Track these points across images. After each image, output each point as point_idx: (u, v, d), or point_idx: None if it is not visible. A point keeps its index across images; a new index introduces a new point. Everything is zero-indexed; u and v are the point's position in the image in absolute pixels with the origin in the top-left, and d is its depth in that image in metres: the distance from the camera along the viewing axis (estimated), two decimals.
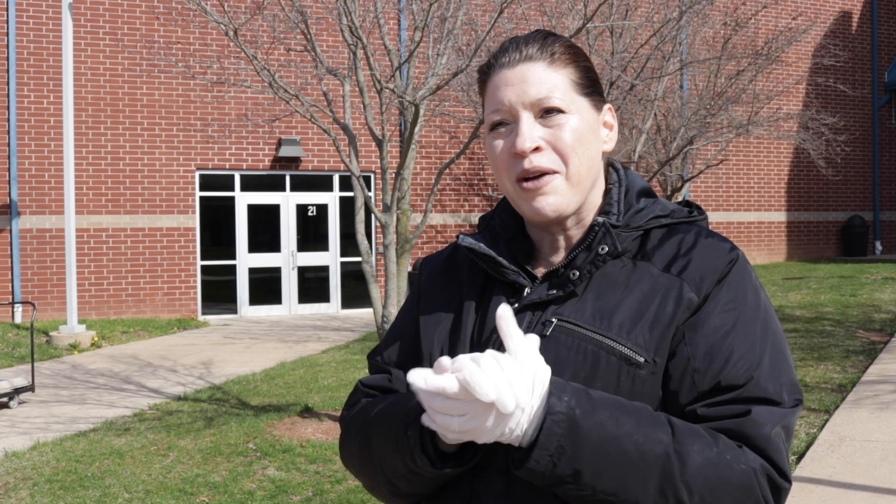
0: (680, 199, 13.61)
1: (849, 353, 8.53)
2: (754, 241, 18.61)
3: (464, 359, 1.04)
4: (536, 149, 1.23)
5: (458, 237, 1.34)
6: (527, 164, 1.23)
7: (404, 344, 1.37)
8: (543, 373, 1.07)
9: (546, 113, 1.24)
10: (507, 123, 1.25)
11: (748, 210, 18.62)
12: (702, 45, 13.26)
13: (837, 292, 12.73)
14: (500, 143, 1.26)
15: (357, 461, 1.32)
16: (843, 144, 17.84)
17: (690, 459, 1.08)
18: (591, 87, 1.29)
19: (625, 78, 8.92)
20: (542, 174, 1.23)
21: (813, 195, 19.36)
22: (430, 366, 1.29)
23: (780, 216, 18.97)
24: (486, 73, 1.30)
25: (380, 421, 1.25)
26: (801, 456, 5.45)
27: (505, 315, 1.06)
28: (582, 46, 9.85)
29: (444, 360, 1.06)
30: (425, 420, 1.10)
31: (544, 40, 1.27)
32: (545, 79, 1.24)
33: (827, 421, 6.19)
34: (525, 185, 1.24)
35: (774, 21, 16.67)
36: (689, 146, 11.74)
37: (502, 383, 1.02)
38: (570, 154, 1.23)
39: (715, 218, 18.02)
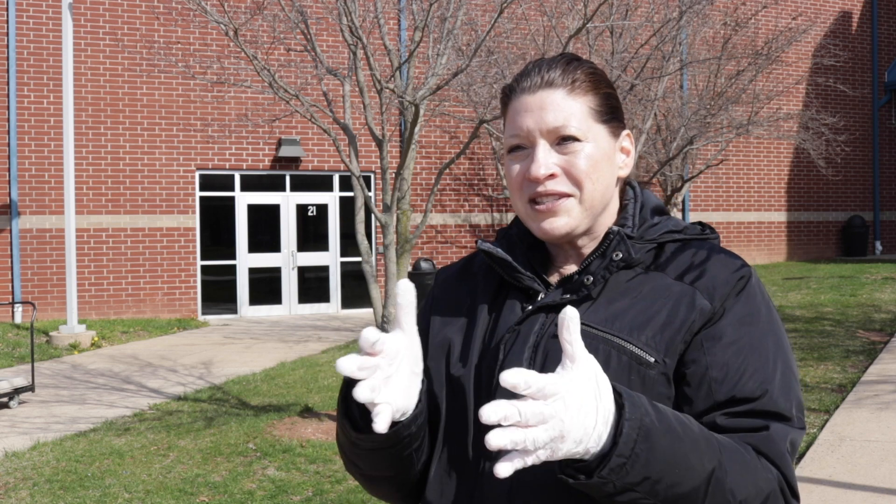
0: (680, 198, 13.61)
1: (849, 353, 8.53)
2: (754, 241, 18.61)
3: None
4: (551, 175, 1.26)
5: (476, 243, 1.37)
6: (540, 188, 1.26)
7: None
8: (604, 380, 1.05)
9: (562, 140, 1.26)
10: (524, 148, 1.29)
11: (748, 210, 18.62)
12: (702, 45, 13.26)
13: (837, 292, 12.73)
14: (516, 167, 1.29)
15: (341, 455, 1.35)
16: (843, 144, 17.83)
17: (731, 467, 1.11)
18: (611, 113, 1.31)
19: (625, 78, 8.91)
20: (556, 197, 1.26)
21: (813, 195, 19.36)
22: (433, 362, 1.32)
23: (780, 216, 18.97)
24: (507, 96, 1.33)
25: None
26: (801, 456, 5.45)
27: (574, 317, 1.02)
28: (582, 46, 9.88)
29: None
30: (501, 470, 0.99)
31: (567, 66, 1.29)
32: (564, 107, 1.26)
33: (827, 421, 6.19)
34: (537, 206, 1.27)
35: (774, 21, 16.66)
36: (689, 146, 11.74)
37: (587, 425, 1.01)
38: (584, 179, 1.26)
39: (715, 218, 18.01)
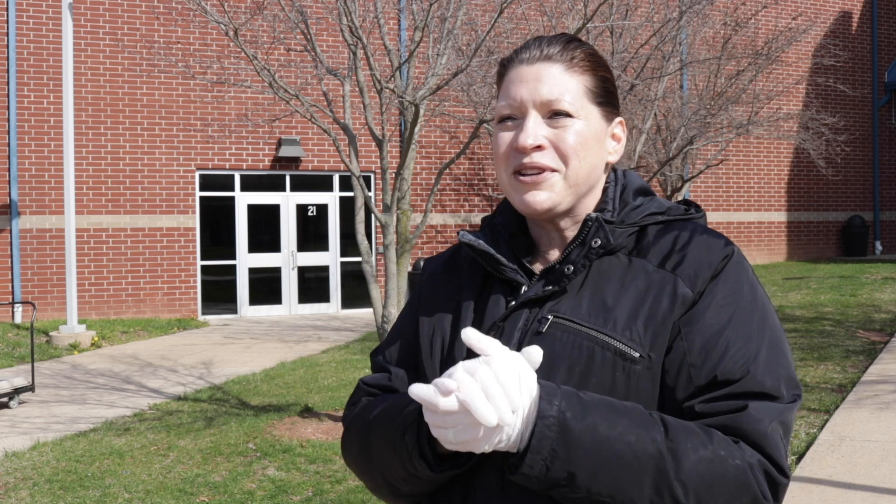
0: (680, 198, 13.60)
1: (849, 353, 8.53)
2: (754, 241, 18.61)
3: (461, 375, 1.05)
4: (538, 147, 1.24)
5: (458, 234, 1.35)
6: (526, 159, 1.24)
7: (404, 343, 1.39)
8: (530, 377, 1.08)
9: (554, 115, 1.25)
10: (515, 118, 1.27)
11: (748, 210, 18.62)
12: (702, 45, 13.26)
13: (837, 292, 12.72)
14: (505, 136, 1.28)
15: (358, 463, 1.33)
16: (843, 144, 17.84)
17: (685, 457, 1.08)
18: (606, 97, 1.30)
19: (625, 78, 8.91)
20: (541, 170, 1.25)
21: (813, 195, 19.36)
22: (428, 362, 1.31)
23: (780, 216, 18.97)
24: (505, 66, 1.31)
25: (378, 424, 1.26)
26: (801, 456, 5.45)
27: (470, 337, 1.08)
28: None
29: (445, 381, 1.05)
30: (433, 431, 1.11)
31: (567, 44, 1.29)
32: (559, 81, 1.25)
33: (827, 421, 6.19)
34: (522, 178, 1.25)
35: (774, 21, 16.66)
36: (689, 146, 11.74)
37: (502, 405, 1.03)
38: (571, 155, 1.24)
39: (715, 218, 18.02)
